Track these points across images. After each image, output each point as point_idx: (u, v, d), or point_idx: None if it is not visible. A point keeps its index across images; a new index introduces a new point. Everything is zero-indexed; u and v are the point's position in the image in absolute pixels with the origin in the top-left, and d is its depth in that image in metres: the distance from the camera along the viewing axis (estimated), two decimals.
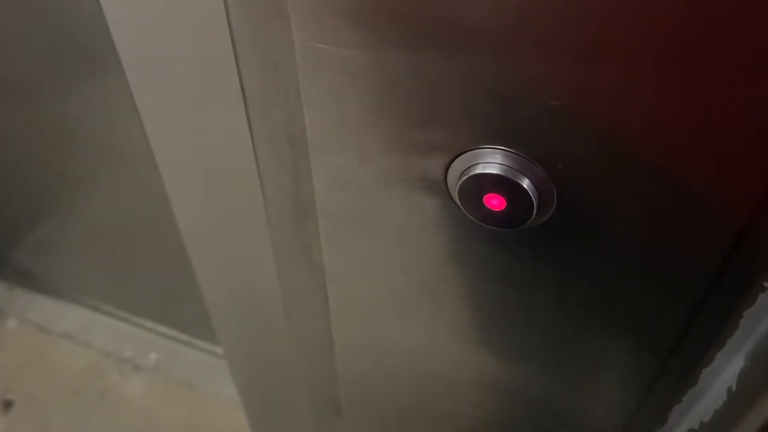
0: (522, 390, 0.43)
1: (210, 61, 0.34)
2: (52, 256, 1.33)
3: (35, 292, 1.38)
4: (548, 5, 0.23)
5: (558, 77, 0.25)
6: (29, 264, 1.37)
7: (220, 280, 0.51)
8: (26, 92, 1.00)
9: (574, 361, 0.39)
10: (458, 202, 0.30)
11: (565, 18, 0.23)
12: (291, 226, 0.40)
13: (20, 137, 1.09)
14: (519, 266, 0.34)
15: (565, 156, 0.27)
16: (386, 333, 0.43)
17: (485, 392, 0.45)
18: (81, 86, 0.94)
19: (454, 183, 0.30)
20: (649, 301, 0.32)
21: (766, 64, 0.22)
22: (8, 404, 1.22)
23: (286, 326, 0.50)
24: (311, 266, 0.42)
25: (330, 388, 0.53)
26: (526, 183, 0.28)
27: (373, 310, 0.42)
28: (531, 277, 0.34)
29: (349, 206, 0.35)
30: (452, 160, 0.30)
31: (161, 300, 1.26)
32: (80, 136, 1.03)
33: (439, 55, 0.26)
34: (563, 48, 0.24)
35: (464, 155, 0.29)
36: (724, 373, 0.33)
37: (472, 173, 0.29)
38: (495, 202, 0.29)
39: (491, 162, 0.28)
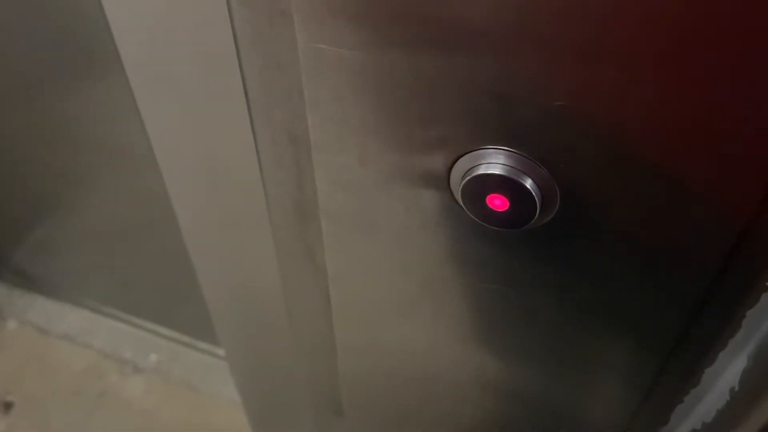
0: (523, 390, 0.43)
1: (213, 62, 0.34)
2: (51, 256, 1.33)
3: (35, 293, 1.38)
4: (548, 5, 0.23)
5: (558, 77, 0.25)
6: (29, 265, 1.37)
7: (221, 281, 0.51)
8: (26, 92, 1.00)
9: (574, 361, 0.39)
10: (461, 203, 0.30)
11: (565, 18, 0.23)
12: (293, 227, 0.41)
13: (20, 137, 1.09)
14: (520, 266, 0.34)
15: (568, 156, 0.27)
16: (388, 333, 0.43)
17: (486, 392, 0.45)
18: (81, 86, 0.94)
19: (456, 183, 0.30)
20: (651, 301, 0.32)
21: (766, 64, 0.22)
22: (8, 405, 1.22)
23: (287, 326, 0.50)
24: (313, 266, 0.42)
25: (331, 388, 0.53)
26: (529, 183, 0.28)
27: (374, 310, 0.42)
28: (532, 277, 0.34)
29: (352, 206, 0.35)
30: (455, 161, 0.30)
31: (161, 301, 1.26)
32: (80, 136, 1.03)
33: (440, 55, 0.26)
34: (563, 48, 0.24)
35: (467, 156, 0.29)
36: (727, 373, 0.33)
37: (475, 174, 0.29)
38: (498, 202, 0.29)
39: (494, 162, 0.28)
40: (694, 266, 0.30)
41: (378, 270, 0.39)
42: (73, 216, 1.22)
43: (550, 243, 0.32)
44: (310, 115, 0.32)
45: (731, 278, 0.30)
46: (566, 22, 0.23)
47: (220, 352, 1.21)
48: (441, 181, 0.31)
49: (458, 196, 0.30)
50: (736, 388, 0.33)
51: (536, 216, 0.29)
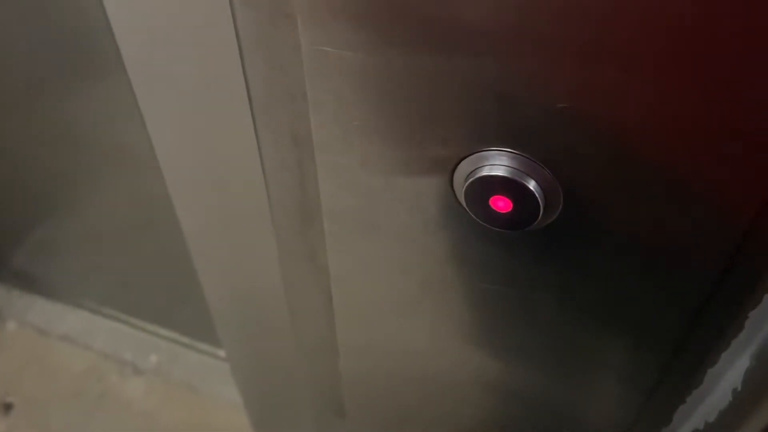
0: (524, 390, 0.43)
1: (216, 63, 0.34)
2: (51, 257, 1.33)
3: (35, 294, 1.38)
4: (548, 5, 0.23)
5: (559, 77, 0.25)
6: (29, 266, 1.37)
7: (223, 281, 0.51)
8: (27, 92, 1.00)
9: (576, 361, 0.39)
10: (464, 204, 0.30)
11: (566, 18, 0.23)
12: (296, 228, 0.41)
13: (20, 137, 1.09)
14: (522, 267, 0.34)
15: (571, 157, 0.27)
16: (389, 333, 0.43)
17: (487, 392, 0.45)
18: (82, 86, 0.94)
19: (460, 185, 0.30)
20: (653, 301, 0.32)
21: (766, 64, 0.22)
22: (8, 407, 1.22)
23: (289, 327, 0.50)
24: (316, 267, 0.42)
25: (332, 388, 0.53)
26: (532, 185, 0.28)
27: (376, 310, 0.42)
28: (534, 278, 0.34)
29: (354, 207, 0.35)
30: (458, 163, 0.30)
31: (161, 302, 1.26)
32: (80, 136, 1.03)
33: (442, 56, 0.26)
34: (564, 48, 0.24)
35: (470, 157, 0.29)
36: (729, 373, 0.33)
37: (478, 175, 0.29)
38: (501, 204, 0.29)
39: (497, 164, 0.28)
40: (696, 266, 0.30)
41: (380, 270, 0.39)
42: (73, 216, 1.22)
43: (553, 243, 0.32)
44: (313, 117, 0.32)
45: (734, 278, 0.30)
46: (566, 23, 0.23)
47: (221, 353, 1.21)
48: (444, 183, 0.31)
49: (461, 198, 0.30)
50: (739, 389, 0.33)
51: (539, 217, 0.29)
